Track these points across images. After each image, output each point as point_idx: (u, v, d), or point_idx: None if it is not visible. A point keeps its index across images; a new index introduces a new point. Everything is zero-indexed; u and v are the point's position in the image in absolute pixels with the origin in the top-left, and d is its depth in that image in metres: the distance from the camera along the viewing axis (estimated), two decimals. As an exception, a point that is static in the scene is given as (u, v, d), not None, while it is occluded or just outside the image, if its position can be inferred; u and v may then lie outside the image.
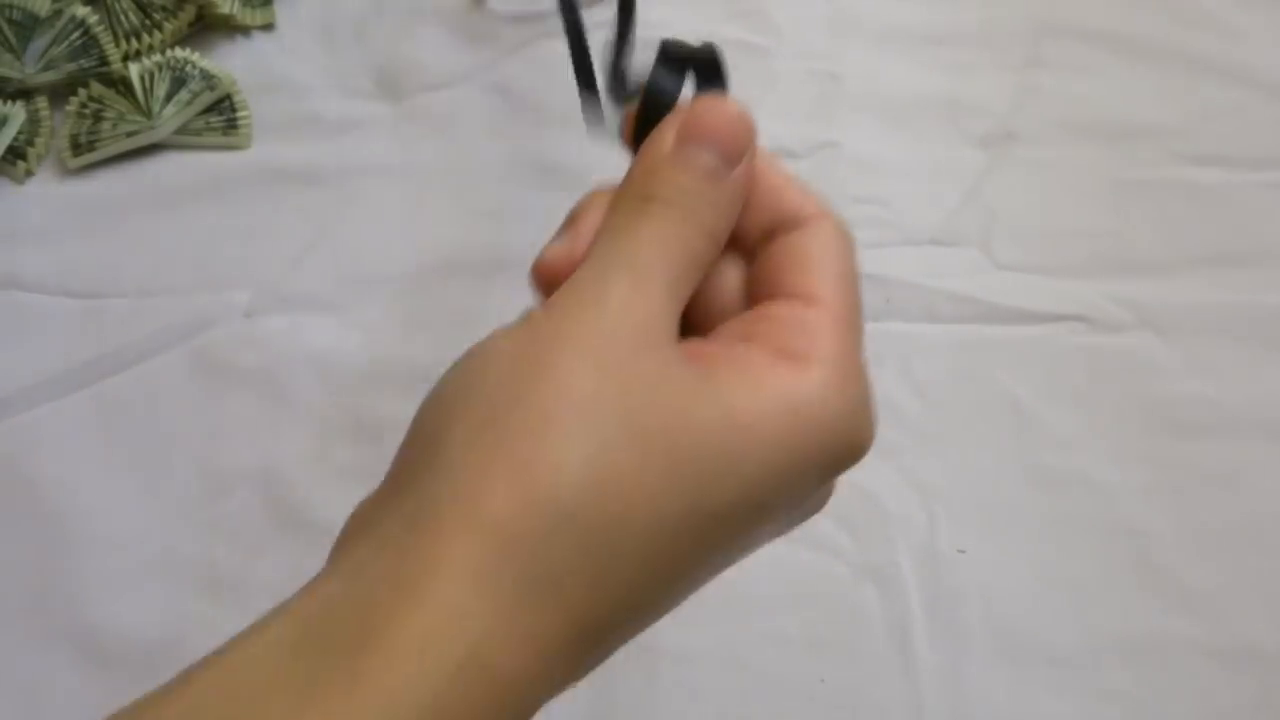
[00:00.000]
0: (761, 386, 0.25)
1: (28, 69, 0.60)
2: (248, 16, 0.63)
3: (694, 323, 0.28)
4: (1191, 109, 0.60)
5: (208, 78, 0.60)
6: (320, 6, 0.65)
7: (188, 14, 0.62)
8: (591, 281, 0.25)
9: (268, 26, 0.64)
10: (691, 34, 0.68)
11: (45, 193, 0.59)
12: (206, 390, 0.53)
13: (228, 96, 0.60)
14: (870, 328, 0.55)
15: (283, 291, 0.56)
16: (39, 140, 0.59)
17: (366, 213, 0.58)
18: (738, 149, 0.27)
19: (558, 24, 0.66)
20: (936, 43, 0.63)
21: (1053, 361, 0.53)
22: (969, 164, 0.59)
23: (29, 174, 0.59)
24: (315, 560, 0.52)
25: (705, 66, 0.29)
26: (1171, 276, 0.56)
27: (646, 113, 0.28)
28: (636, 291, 0.25)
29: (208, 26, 0.64)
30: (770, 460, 0.24)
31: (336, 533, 0.51)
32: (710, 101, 0.28)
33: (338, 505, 0.50)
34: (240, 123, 0.60)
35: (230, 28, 0.63)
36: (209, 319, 0.55)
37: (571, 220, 0.29)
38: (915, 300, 0.55)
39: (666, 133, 0.27)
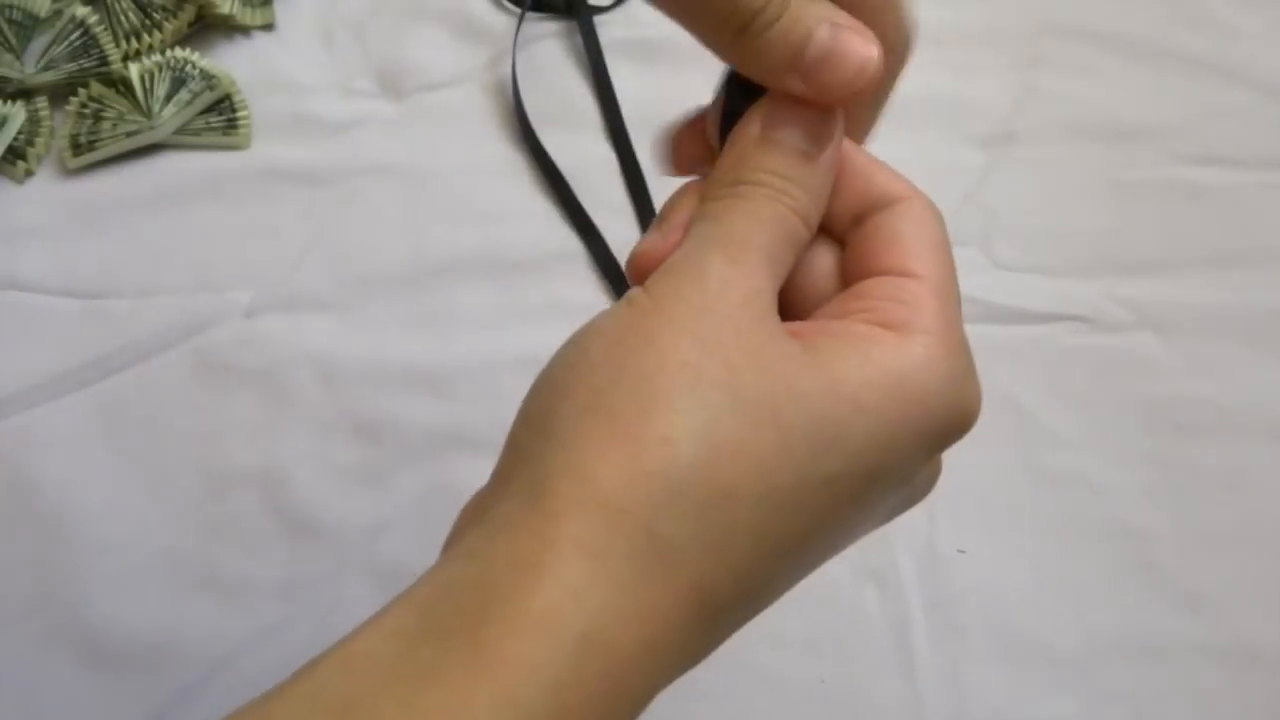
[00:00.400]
0: (867, 356, 0.25)
1: (28, 69, 0.60)
2: (248, 16, 0.63)
3: (791, 311, 0.28)
4: (1191, 109, 0.60)
5: (208, 78, 0.60)
6: (320, 6, 0.65)
7: (188, 14, 0.62)
8: (689, 260, 0.25)
9: (268, 26, 0.64)
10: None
11: (45, 193, 0.59)
12: (206, 390, 0.53)
13: (228, 96, 0.60)
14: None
15: (283, 291, 0.56)
16: (39, 140, 0.59)
17: (366, 213, 0.58)
18: (826, 131, 0.27)
19: (558, 24, 0.66)
20: (936, 43, 0.63)
21: (1053, 361, 0.53)
22: (969, 164, 0.59)
23: (29, 174, 0.59)
24: (315, 560, 0.52)
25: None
26: (1171, 276, 0.56)
27: (731, 104, 0.28)
28: (734, 266, 0.25)
29: (208, 26, 0.64)
30: (878, 429, 0.24)
31: (336, 532, 0.52)
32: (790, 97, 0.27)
33: (338, 505, 0.51)
34: (240, 123, 0.60)
35: (230, 28, 0.63)
36: (209, 319, 0.55)
37: (663, 214, 0.29)
38: (915, 300, 0.55)
39: (753, 121, 0.27)
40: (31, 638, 0.47)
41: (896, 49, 0.28)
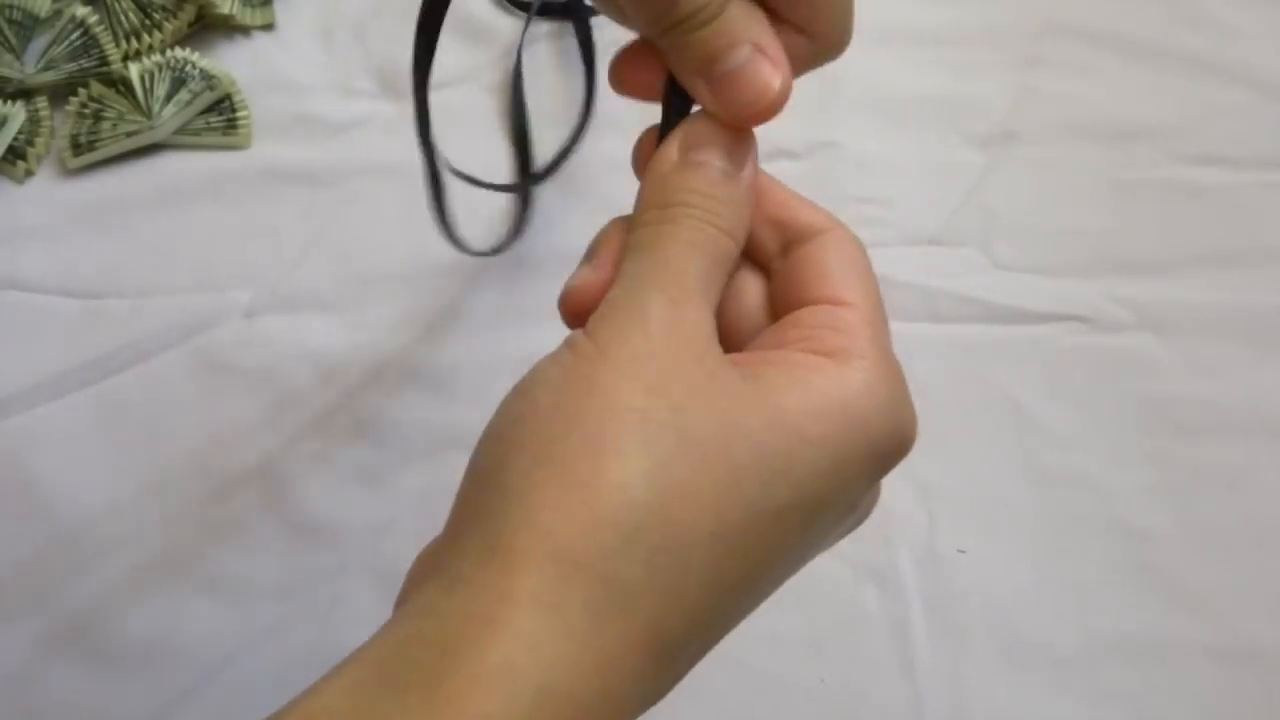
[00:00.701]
0: (809, 386, 0.25)
1: (28, 69, 0.60)
2: (248, 16, 0.63)
3: (724, 340, 0.28)
4: (1191, 109, 0.60)
5: (208, 78, 0.60)
6: (320, 6, 0.65)
7: (188, 14, 0.62)
8: (627, 298, 0.26)
9: (268, 26, 0.64)
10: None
11: (45, 193, 0.59)
12: (206, 390, 0.53)
13: (228, 96, 0.60)
14: (870, 328, 0.55)
15: (283, 291, 0.56)
16: (39, 140, 0.59)
17: (366, 213, 0.58)
18: (742, 152, 0.28)
19: (558, 25, 0.66)
20: (936, 43, 0.63)
21: (1053, 361, 0.53)
22: (969, 164, 0.59)
23: (29, 174, 0.59)
24: (315, 560, 0.52)
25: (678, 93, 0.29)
26: (1171, 276, 0.56)
27: (666, 129, 0.29)
28: (673, 303, 0.25)
29: (208, 26, 0.64)
30: (823, 458, 0.25)
31: (336, 533, 0.52)
32: (706, 115, 0.28)
33: (338, 505, 0.51)
34: (240, 123, 0.60)
35: (230, 28, 0.63)
36: (209, 319, 0.55)
37: (593, 249, 0.29)
38: (915, 300, 0.55)
39: (670, 146, 0.28)
40: (31, 638, 0.47)
41: (830, 40, 0.29)
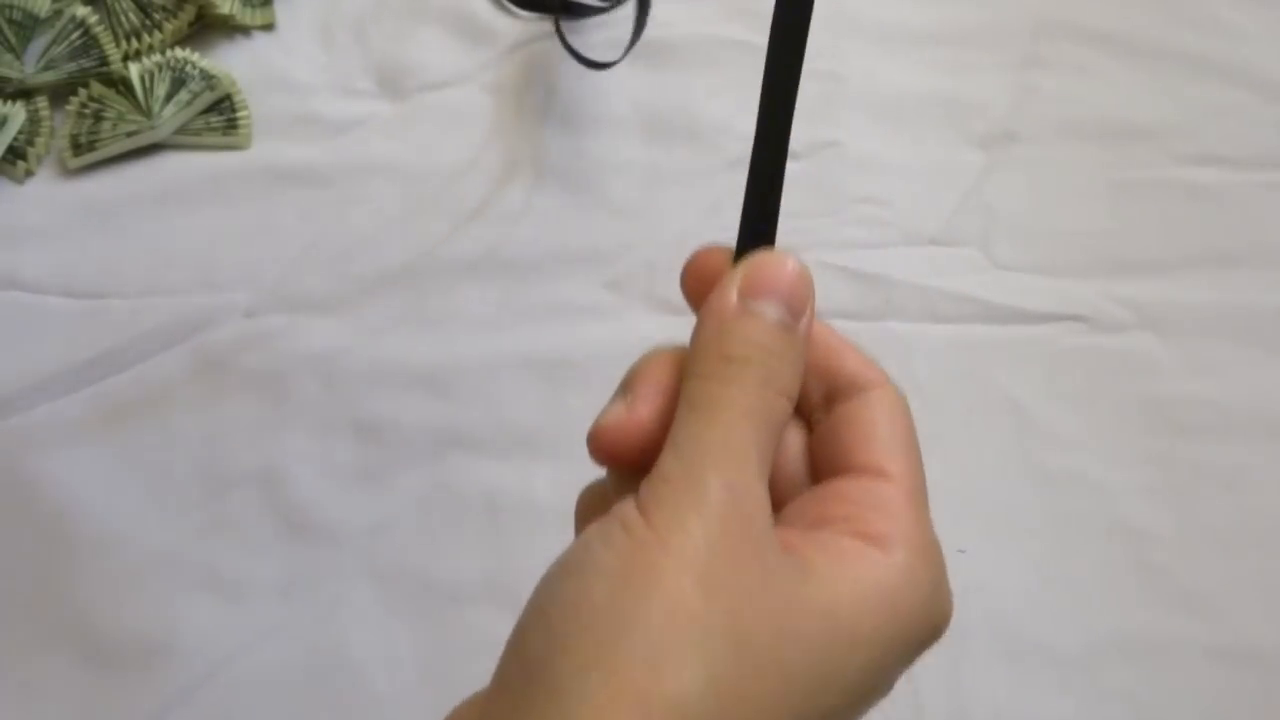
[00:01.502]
0: (858, 581, 0.25)
1: (28, 69, 0.60)
2: (248, 16, 0.63)
3: None
4: (1191, 109, 0.60)
5: (208, 78, 0.60)
6: (320, 6, 0.65)
7: (188, 14, 0.62)
8: (685, 476, 0.25)
9: (268, 26, 0.64)
10: (693, 34, 0.68)
11: (45, 193, 0.59)
12: (206, 390, 0.53)
13: (228, 96, 0.60)
14: (870, 327, 0.55)
15: (283, 291, 0.56)
16: (39, 140, 0.59)
17: (366, 213, 0.58)
18: (801, 301, 0.27)
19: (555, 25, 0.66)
20: (936, 43, 0.63)
21: (1053, 361, 0.53)
22: (969, 164, 0.59)
23: (29, 174, 0.59)
24: (315, 560, 0.52)
25: (759, 218, 0.29)
26: (1171, 276, 0.56)
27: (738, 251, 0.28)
28: (732, 490, 0.25)
29: (208, 26, 0.64)
30: (871, 658, 0.25)
31: (336, 533, 0.52)
32: (768, 256, 0.27)
33: (338, 505, 0.51)
34: (240, 123, 0.60)
35: (230, 28, 0.63)
36: (209, 319, 0.55)
37: (628, 384, 0.28)
38: (915, 300, 0.55)
39: (729, 289, 0.27)
40: (31, 638, 0.47)
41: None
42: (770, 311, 0.26)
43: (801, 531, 0.27)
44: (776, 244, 0.28)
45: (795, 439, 0.29)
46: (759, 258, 0.27)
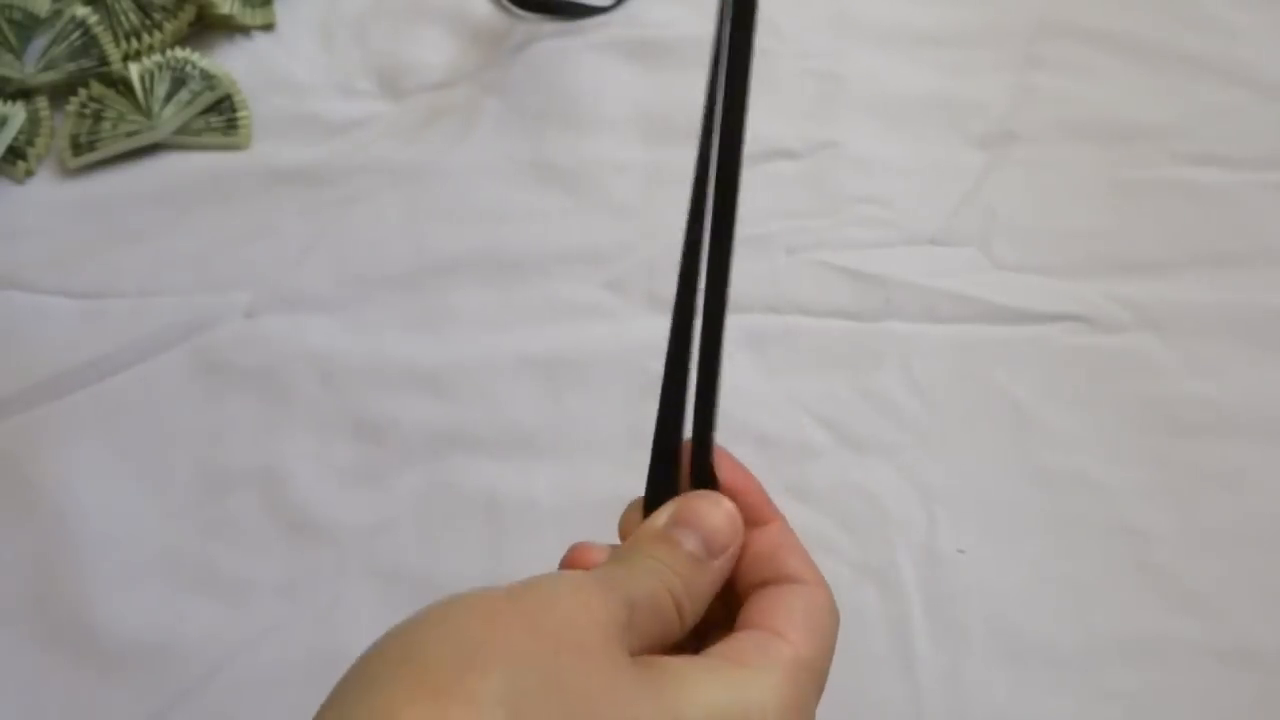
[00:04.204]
0: (709, 684, 0.26)
1: (28, 69, 0.60)
2: (248, 16, 0.63)
3: None
4: (1191, 109, 0.60)
5: (208, 78, 0.60)
6: (320, 6, 0.65)
7: (188, 14, 0.62)
8: (557, 577, 0.27)
9: (268, 26, 0.64)
10: (691, 34, 0.68)
11: (45, 193, 0.59)
12: (206, 390, 0.53)
13: (228, 96, 0.60)
14: (870, 328, 0.55)
15: (283, 291, 0.56)
16: (39, 140, 0.59)
17: (366, 213, 0.58)
18: (720, 544, 0.29)
19: (558, 24, 0.66)
20: (936, 43, 0.63)
21: (1053, 361, 0.53)
22: (969, 164, 0.59)
23: (29, 174, 0.59)
24: (315, 560, 0.52)
25: (701, 467, 0.31)
26: (1171, 276, 0.56)
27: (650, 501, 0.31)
28: (595, 595, 0.26)
29: (208, 26, 0.64)
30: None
31: (336, 532, 0.52)
32: (706, 498, 0.30)
33: (338, 505, 0.51)
34: (240, 123, 0.60)
35: (230, 28, 0.63)
36: (209, 319, 0.55)
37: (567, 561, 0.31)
38: (915, 300, 0.55)
39: (661, 514, 0.30)
40: (31, 638, 0.47)
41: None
42: (688, 541, 0.29)
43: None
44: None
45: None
46: (695, 498, 0.30)
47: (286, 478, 0.51)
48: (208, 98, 0.60)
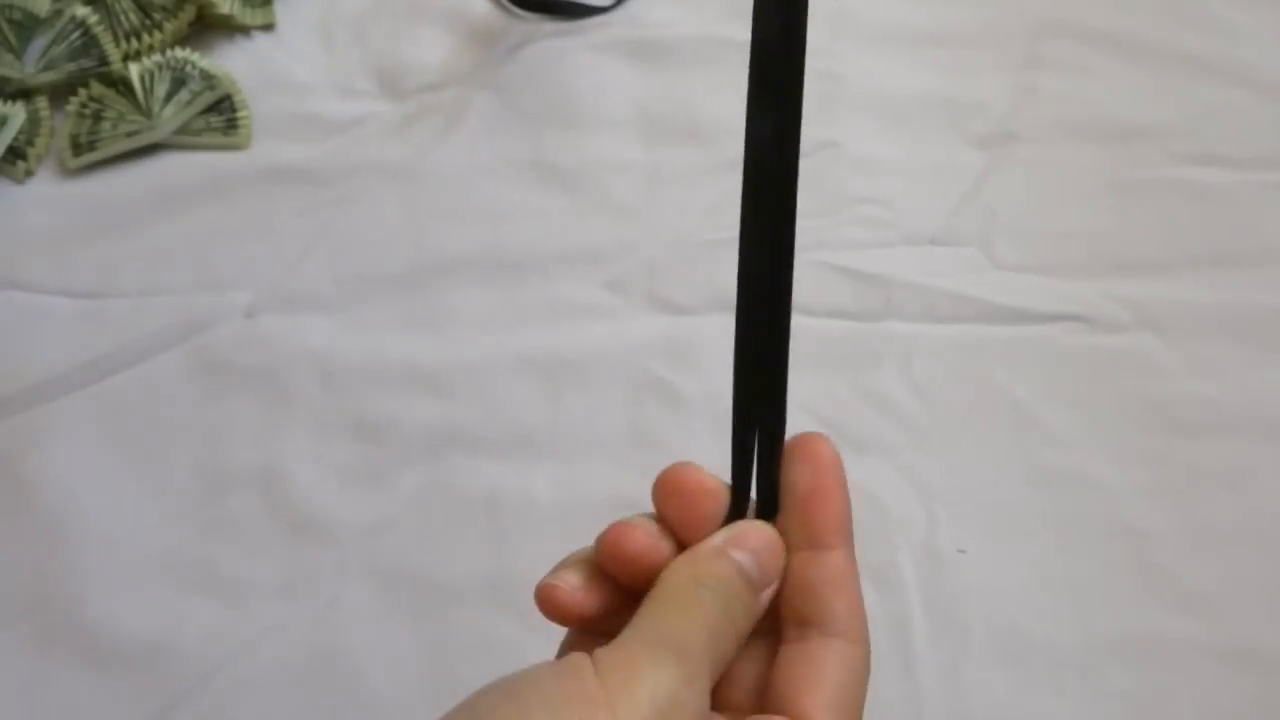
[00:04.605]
0: None
1: (28, 69, 0.60)
2: (248, 16, 0.63)
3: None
4: (1191, 109, 0.60)
5: (208, 78, 0.60)
6: (320, 6, 0.65)
7: (188, 14, 0.62)
8: (647, 656, 0.26)
9: (268, 26, 0.64)
10: (691, 34, 0.68)
11: (45, 193, 0.59)
12: (206, 390, 0.53)
13: (228, 96, 0.60)
14: (870, 328, 0.55)
15: (283, 291, 0.56)
16: (39, 140, 0.59)
17: (366, 213, 0.58)
18: (771, 572, 0.30)
19: (558, 24, 0.66)
20: (936, 43, 0.63)
21: (1053, 361, 0.53)
22: (969, 164, 0.59)
23: (29, 174, 0.59)
24: (315, 560, 0.52)
25: (767, 500, 0.31)
26: (1171, 276, 0.56)
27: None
28: (686, 681, 0.26)
29: (208, 26, 0.64)
30: None
31: (336, 532, 0.52)
32: (760, 526, 0.30)
33: (338, 505, 0.51)
34: (240, 123, 0.60)
35: (230, 28, 0.63)
36: (209, 319, 0.55)
37: (572, 561, 0.30)
38: (915, 300, 0.55)
39: (718, 535, 0.30)
40: (31, 638, 0.47)
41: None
42: (746, 562, 0.29)
43: None
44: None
45: (757, 660, 0.30)
46: (748, 525, 0.30)
47: (286, 478, 0.51)
48: (208, 98, 0.60)
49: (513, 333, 0.55)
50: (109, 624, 0.48)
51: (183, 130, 0.60)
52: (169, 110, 0.59)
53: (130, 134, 0.59)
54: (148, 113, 0.59)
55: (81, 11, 0.61)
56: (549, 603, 0.29)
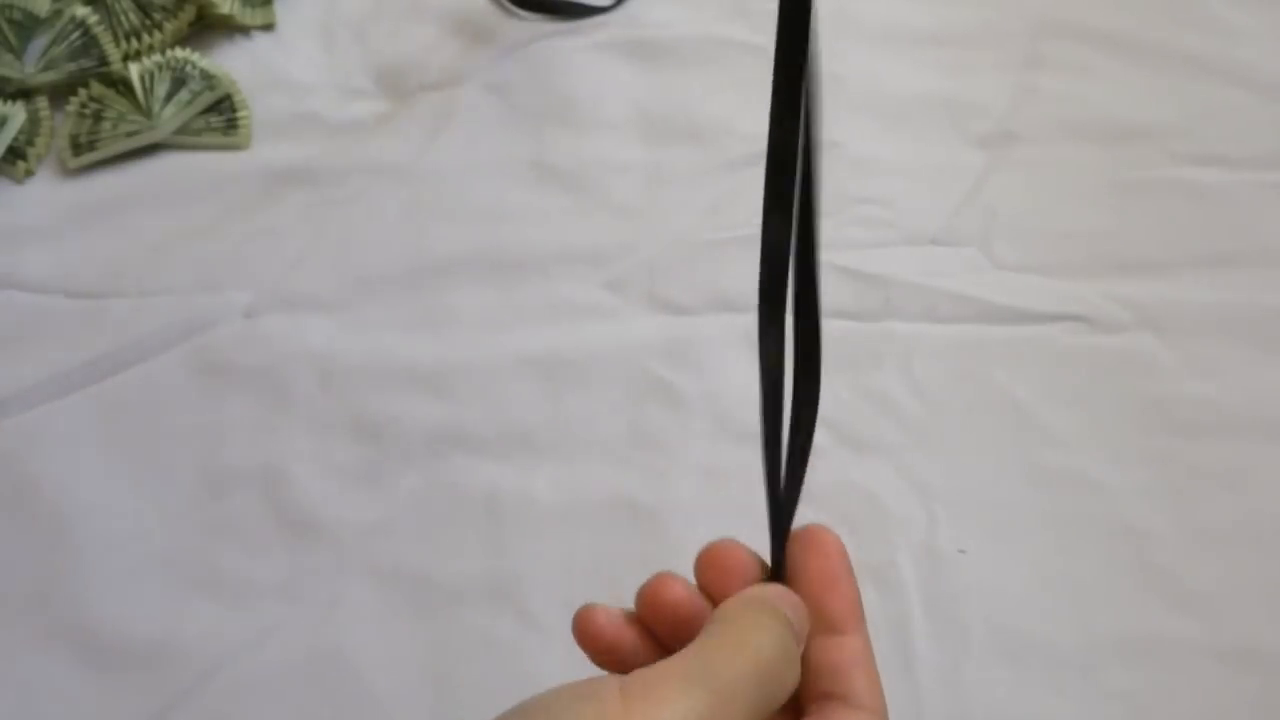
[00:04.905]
0: None
1: (28, 69, 0.60)
2: (248, 16, 0.63)
3: None
4: (1191, 109, 0.60)
5: (208, 78, 0.60)
6: (320, 6, 0.65)
7: (188, 14, 0.62)
8: (677, 694, 0.26)
9: (268, 26, 0.64)
10: (691, 34, 0.68)
11: (45, 193, 0.59)
12: (206, 390, 0.53)
13: (228, 96, 0.60)
14: (870, 328, 0.55)
15: (283, 291, 0.56)
16: (39, 140, 0.59)
17: (366, 213, 0.58)
18: (804, 633, 0.29)
19: (558, 24, 0.66)
20: (936, 43, 0.63)
21: (1053, 361, 0.53)
22: (969, 164, 0.59)
23: (29, 174, 0.59)
24: (315, 560, 0.52)
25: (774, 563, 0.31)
26: (1171, 276, 0.56)
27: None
28: (714, 711, 0.25)
29: (208, 26, 0.64)
30: None
31: (336, 532, 0.52)
32: (784, 588, 0.30)
33: (338, 505, 0.51)
34: (240, 123, 0.60)
35: (230, 28, 0.63)
36: (209, 319, 0.55)
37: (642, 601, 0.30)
38: (915, 300, 0.55)
39: (764, 588, 0.30)
40: (31, 638, 0.47)
41: None
42: (793, 615, 0.29)
43: None
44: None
45: None
46: (781, 588, 0.30)
47: (286, 478, 0.51)
48: (208, 98, 0.60)
49: (513, 333, 0.55)
50: (109, 624, 0.48)
51: (183, 130, 0.60)
52: (169, 110, 0.59)
53: (130, 134, 0.59)
54: (148, 113, 0.59)
55: (81, 11, 0.61)
56: (585, 622, 0.29)
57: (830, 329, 0.55)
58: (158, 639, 0.47)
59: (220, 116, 0.60)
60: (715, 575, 0.30)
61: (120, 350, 0.54)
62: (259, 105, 0.61)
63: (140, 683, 0.46)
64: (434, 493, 0.51)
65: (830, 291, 0.55)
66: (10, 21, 0.60)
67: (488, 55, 0.63)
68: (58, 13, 0.61)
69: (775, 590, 0.29)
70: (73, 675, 0.47)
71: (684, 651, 0.27)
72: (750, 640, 0.27)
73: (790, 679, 0.28)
